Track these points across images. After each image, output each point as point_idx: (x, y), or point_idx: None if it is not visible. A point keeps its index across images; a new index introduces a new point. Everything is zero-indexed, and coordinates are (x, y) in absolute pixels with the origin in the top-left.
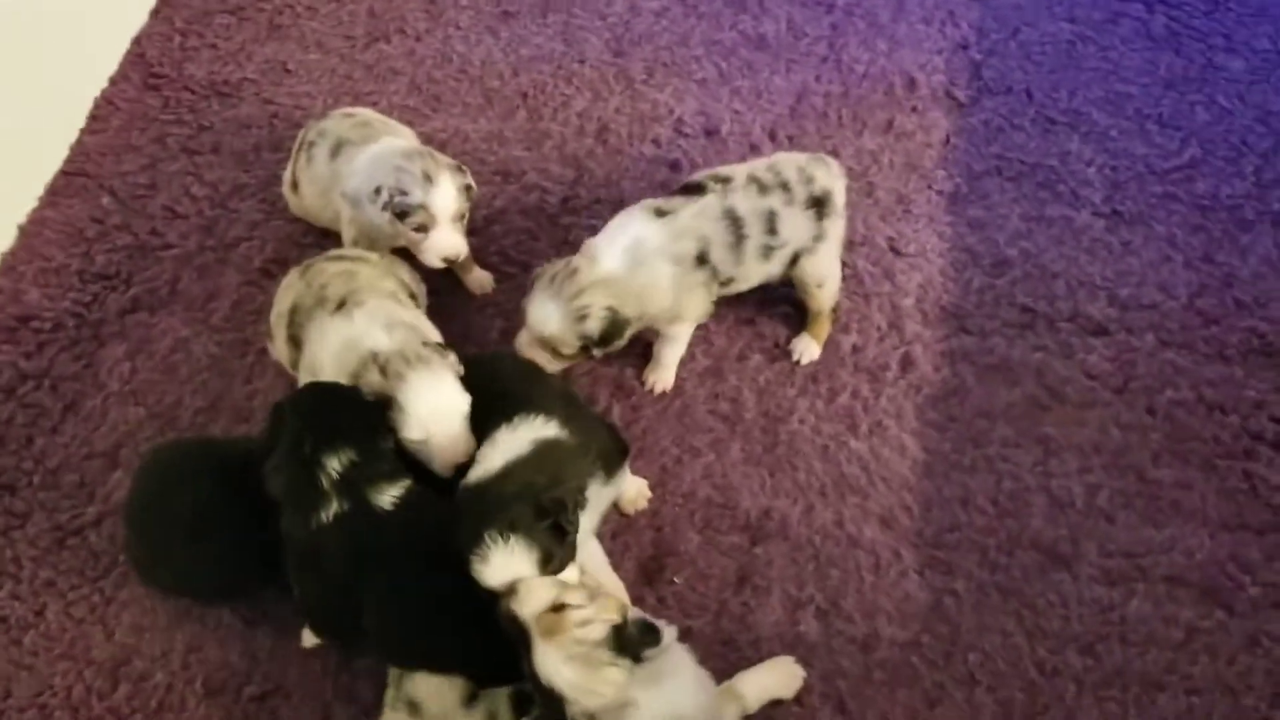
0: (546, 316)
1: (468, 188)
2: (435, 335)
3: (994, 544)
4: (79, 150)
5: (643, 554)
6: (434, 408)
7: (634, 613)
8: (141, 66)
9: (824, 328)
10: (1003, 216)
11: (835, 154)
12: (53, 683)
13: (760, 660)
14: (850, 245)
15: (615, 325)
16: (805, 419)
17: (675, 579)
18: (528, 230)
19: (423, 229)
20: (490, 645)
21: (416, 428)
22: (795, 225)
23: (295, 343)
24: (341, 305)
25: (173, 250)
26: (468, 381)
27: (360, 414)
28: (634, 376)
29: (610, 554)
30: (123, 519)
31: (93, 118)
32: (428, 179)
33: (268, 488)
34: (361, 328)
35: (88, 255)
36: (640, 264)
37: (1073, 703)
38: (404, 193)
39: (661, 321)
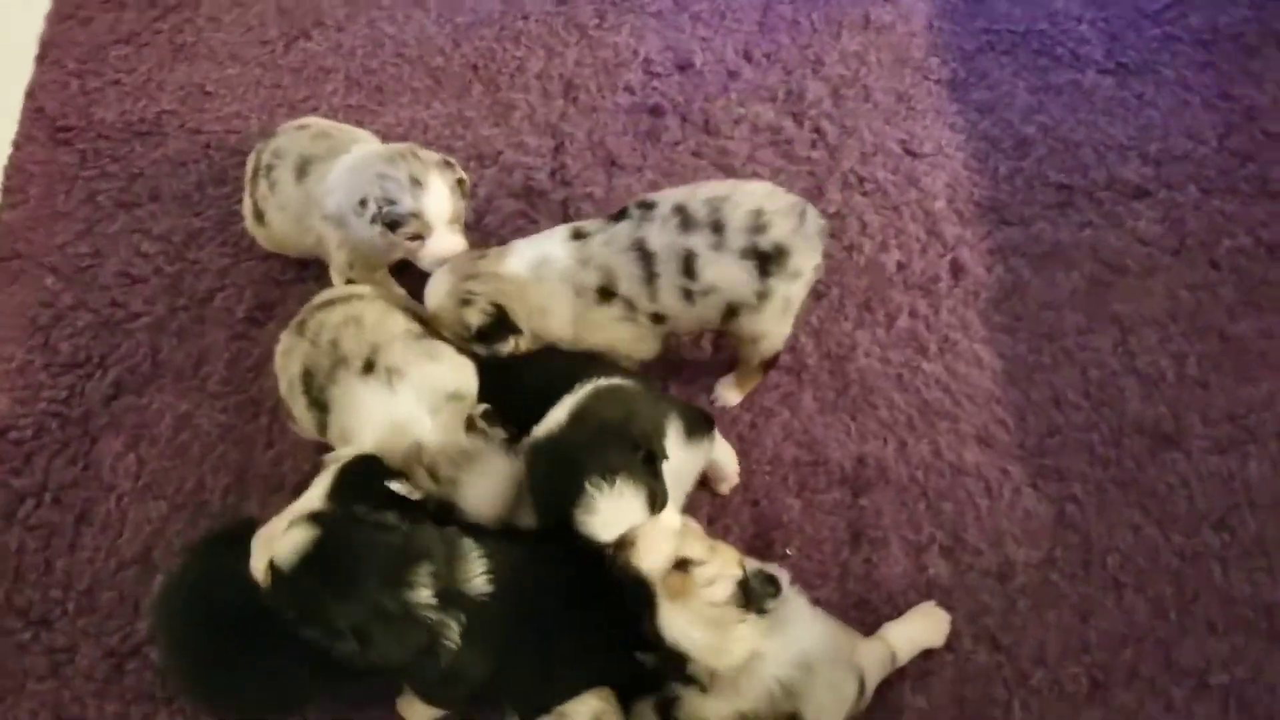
0: (435, 288)
1: (460, 182)
2: (466, 376)
3: (1098, 439)
4: (3, 230)
5: (745, 533)
6: (488, 498)
7: (750, 563)
8: (44, 121)
9: (752, 381)
10: (1009, 94)
11: (819, 63)
12: None
13: (894, 616)
14: (863, 157)
15: (497, 325)
16: (870, 351)
17: (787, 551)
18: (522, 213)
19: (418, 237)
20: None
21: (473, 514)
22: (725, 273)
23: (319, 405)
24: (370, 368)
25: (141, 319)
26: (529, 378)
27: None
28: (687, 348)
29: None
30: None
31: (6, 190)
32: (416, 183)
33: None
34: (406, 409)
35: (48, 345)
36: (541, 280)
37: (1222, 583)
38: (392, 202)
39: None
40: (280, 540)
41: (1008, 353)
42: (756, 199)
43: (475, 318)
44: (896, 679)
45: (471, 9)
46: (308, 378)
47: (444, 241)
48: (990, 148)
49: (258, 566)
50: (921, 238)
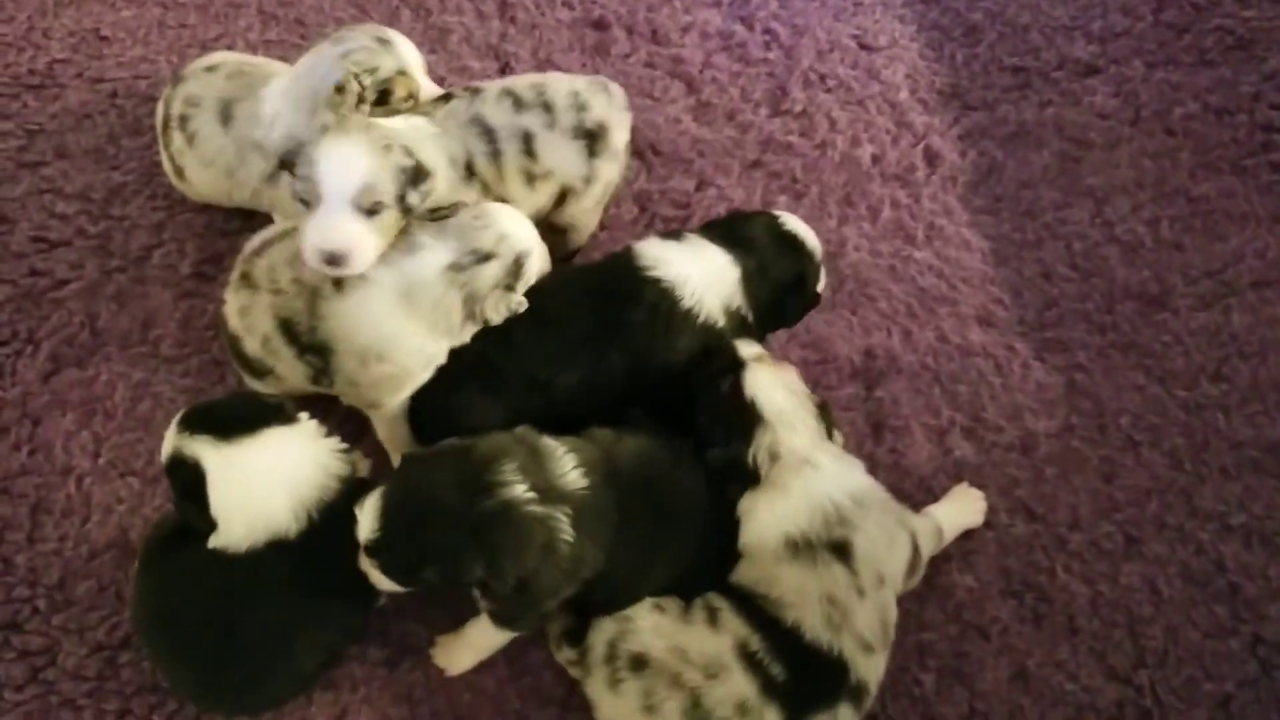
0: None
1: None
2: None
3: (1092, 307)
4: None
5: None
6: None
7: None
8: None
9: None
10: None
11: None
12: None
13: (928, 502)
14: (819, 55)
15: (416, 171)
16: (859, 245)
17: None
18: None
19: (411, 97)
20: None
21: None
22: (560, 155)
23: (317, 350)
24: (339, 284)
25: (70, 286)
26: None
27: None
28: None
29: None
30: (139, 627)
31: None
32: (383, 41)
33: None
34: (428, 258)
35: None
36: (423, 142)
37: (1227, 429)
38: (372, 69)
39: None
40: (362, 520)
41: (993, 233)
42: (568, 81)
43: (400, 159)
44: (943, 561)
45: None
46: (288, 328)
47: (431, 87)
48: (943, 36)
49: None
50: (891, 129)
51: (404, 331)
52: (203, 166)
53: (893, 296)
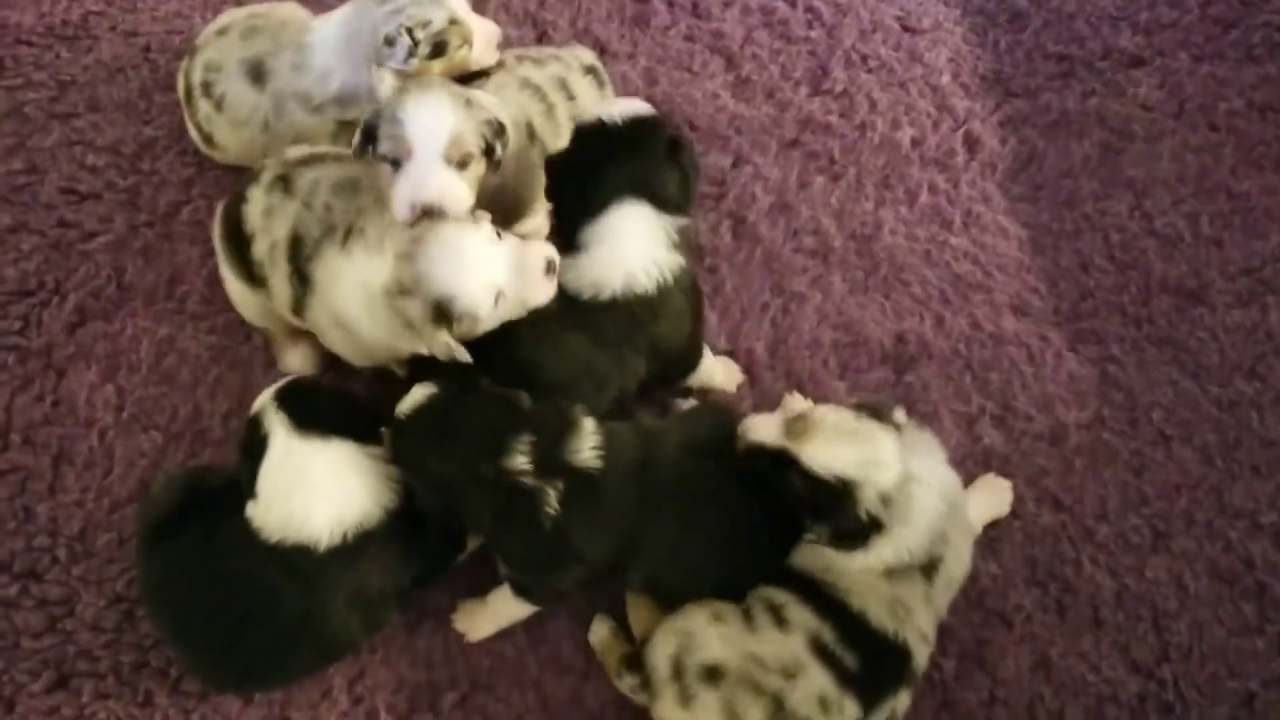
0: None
1: None
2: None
3: (1128, 300)
4: None
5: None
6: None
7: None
8: None
9: None
10: None
11: None
12: None
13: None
14: (861, 34)
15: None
16: (895, 229)
17: None
18: None
19: (465, 43)
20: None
21: None
22: (587, 94)
23: (303, 279)
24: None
25: (99, 239)
26: None
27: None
28: (705, 234)
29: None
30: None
31: None
32: None
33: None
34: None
35: None
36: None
37: (1259, 428)
38: (424, 23)
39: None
40: (406, 398)
41: (1031, 222)
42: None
43: (483, 113)
44: None
45: None
46: (296, 244)
47: (485, 25)
48: (987, 21)
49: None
50: (932, 113)
51: (363, 321)
52: (234, 128)
53: (927, 282)
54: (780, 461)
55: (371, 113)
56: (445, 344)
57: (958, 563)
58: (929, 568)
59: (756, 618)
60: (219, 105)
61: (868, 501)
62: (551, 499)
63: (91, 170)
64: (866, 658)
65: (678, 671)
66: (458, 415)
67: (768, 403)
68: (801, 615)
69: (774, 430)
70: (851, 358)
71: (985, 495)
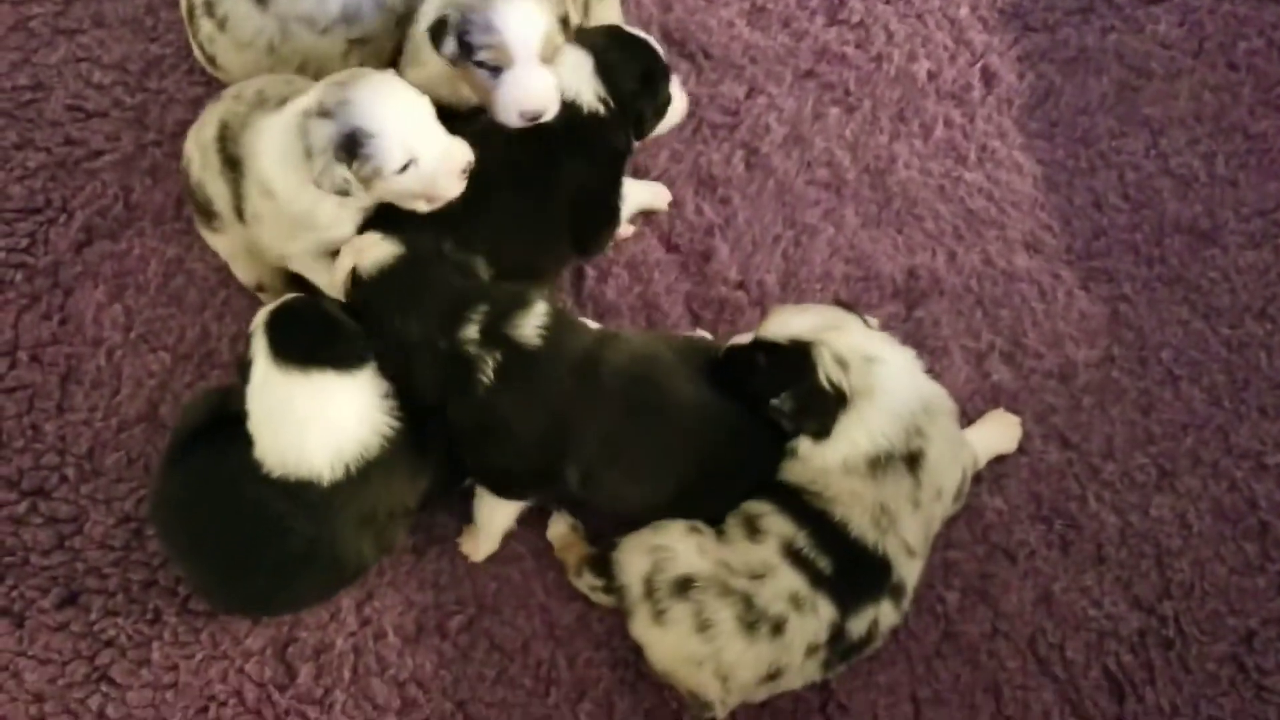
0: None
1: None
2: None
3: (1140, 239)
4: None
5: None
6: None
7: None
8: None
9: None
10: None
11: None
12: (213, 692)
13: (963, 424)
14: None
15: None
16: (910, 163)
17: None
18: None
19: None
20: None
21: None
22: None
23: (234, 165)
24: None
25: (105, 157)
26: None
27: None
28: (718, 165)
29: None
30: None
31: None
32: None
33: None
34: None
35: None
36: None
37: (1269, 369)
38: None
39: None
40: (369, 250)
41: (1046, 158)
42: None
43: None
44: (974, 482)
45: None
46: (224, 132)
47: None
48: None
49: (341, 270)
50: (949, 46)
51: (277, 168)
52: (238, 49)
53: (940, 217)
54: (750, 350)
55: (459, 19)
56: (340, 179)
57: (944, 469)
58: (911, 460)
59: (729, 531)
60: (222, 25)
61: (826, 365)
62: (488, 369)
63: (98, 87)
64: (843, 563)
65: (649, 589)
66: (423, 280)
67: None
68: (777, 523)
69: (748, 335)
70: (863, 291)
71: (993, 429)
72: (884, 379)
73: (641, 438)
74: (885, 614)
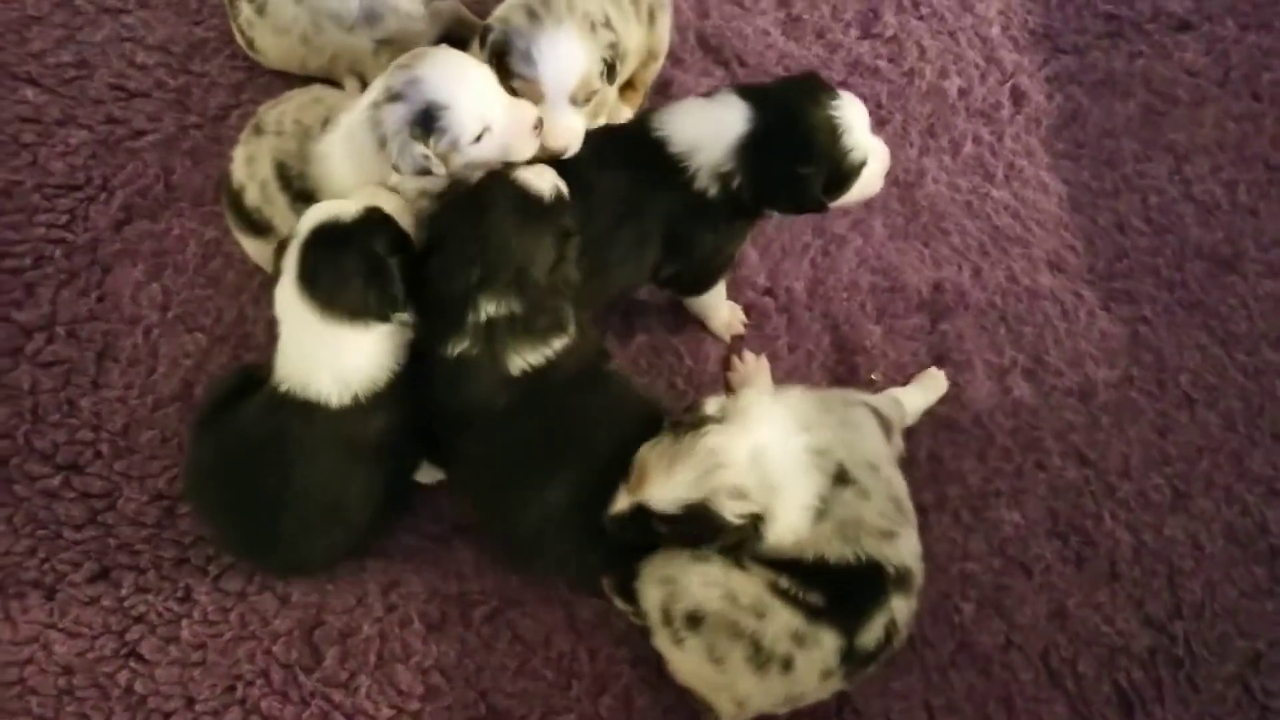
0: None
1: None
2: None
3: (1162, 263)
4: None
5: (828, 359)
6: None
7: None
8: None
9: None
10: None
11: None
12: (240, 672)
13: (984, 438)
14: None
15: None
16: (938, 178)
17: (873, 376)
18: None
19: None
20: None
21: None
22: None
23: (305, 198)
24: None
25: (147, 137)
26: None
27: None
28: None
29: (794, 368)
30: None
31: None
32: None
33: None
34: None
35: (37, 165)
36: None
37: None
38: None
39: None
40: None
41: (1072, 179)
42: None
43: (606, 36)
44: (992, 497)
45: None
46: (283, 171)
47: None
48: None
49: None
50: (980, 64)
51: (347, 174)
52: (276, 35)
53: (966, 232)
54: (640, 516)
55: (500, 35)
56: (419, 156)
57: (861, 449)
58: (839, 478)
59: (725, 558)
60: (260, 10)
61: (729, 509)
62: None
63: (141, 68)
64: (834, 591)
65: (667, 618)
66: (499, 227)
67: (804, 342)
68: (755, 566)
69: (622, 495)
70: (889, 303)
71: (924, 385)
72: (780, 464)
73: (526, 453)
74: (899, 609)
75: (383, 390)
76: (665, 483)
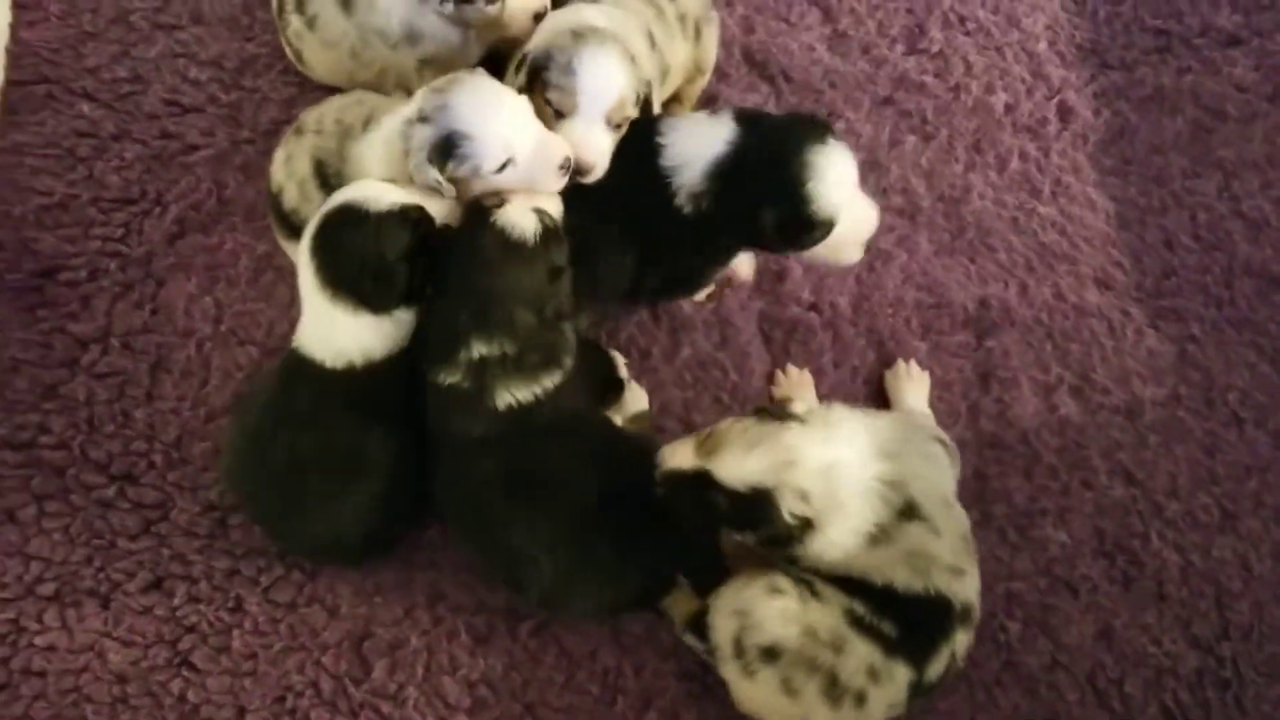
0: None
1: None
2: None
3: (1211, 280)
4: (22, 51)
5: (873, 376)
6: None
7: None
8: None
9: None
10: None
11: None
12: (290, 682)
13: (1030, 456)
14: None
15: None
16: (984, 194)
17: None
18: None
19: None
20: None
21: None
22: None
23: None
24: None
25: (200, 152)
26: None
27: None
28: None
29: (838, 384)
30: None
31: (19, 4)
32: None
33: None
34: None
35: (93, 179)
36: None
37: None
38: None
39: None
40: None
41: (1119, 195)
42: None
43: (644, 70)
44: (1038, 515)
45: None
46: (320, 169)
47: None
48: None
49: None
50: (1027, 79)
51: (380, 175)
52: (325, 49)
53: (1013, 248)
54: (699, 482)
55: (542, 52)
56: (431, 179)
57: (935, 485)
58: (907, 511)
59: (802, 589)
60: (311, 24)
61: (789, 504)
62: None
63: (194, 83)
64: (905, 622)
65: (739, 650)
66: (484, 273)
67: (849, 358)
68: (828, 591)
69: (689, 453)
70: (934, 319)
71: (912, 389)
72: (846, 481)
73: (536, 490)
74: (960, 642)
75: (393, 357)
76: (742, 460)
